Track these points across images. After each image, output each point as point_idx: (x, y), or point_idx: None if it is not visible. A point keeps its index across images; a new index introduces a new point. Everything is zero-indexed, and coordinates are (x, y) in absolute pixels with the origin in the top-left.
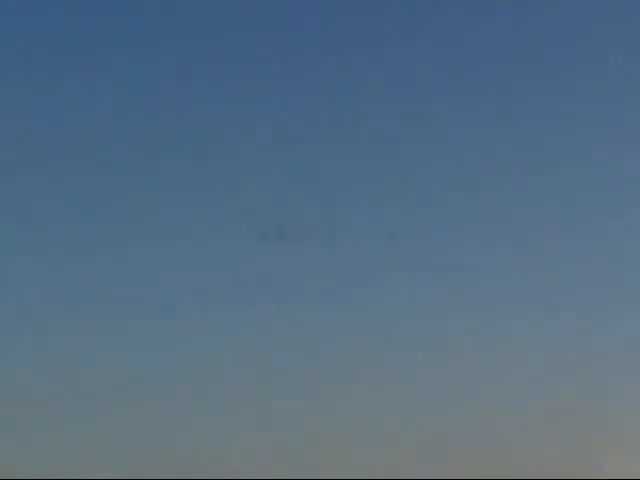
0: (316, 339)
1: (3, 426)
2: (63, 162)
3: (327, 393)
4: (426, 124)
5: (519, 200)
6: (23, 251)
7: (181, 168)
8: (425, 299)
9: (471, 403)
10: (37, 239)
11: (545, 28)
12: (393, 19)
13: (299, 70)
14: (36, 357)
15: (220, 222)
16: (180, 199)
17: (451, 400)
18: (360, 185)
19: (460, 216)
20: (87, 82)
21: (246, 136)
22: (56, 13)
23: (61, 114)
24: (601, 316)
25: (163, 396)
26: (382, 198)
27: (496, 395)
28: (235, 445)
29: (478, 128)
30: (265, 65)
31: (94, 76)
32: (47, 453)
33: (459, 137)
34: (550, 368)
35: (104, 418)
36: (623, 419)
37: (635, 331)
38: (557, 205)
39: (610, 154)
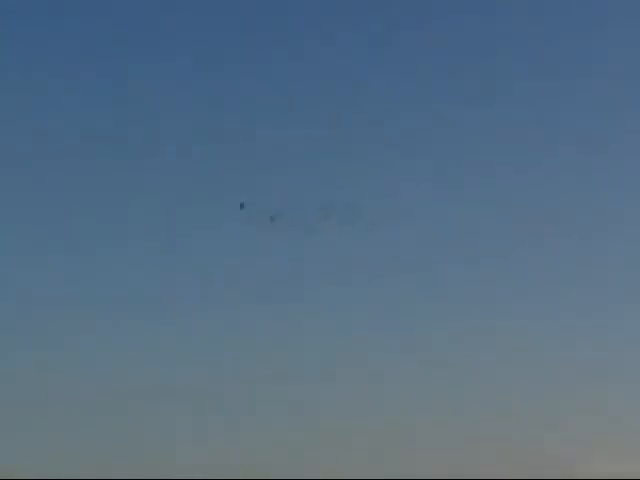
0: (316, 339)
1: (3, 426)
2: (63, 162)
3: (327, 392)
4: (426, 124)
5: (519, 200)
6: (23, 251)
7: (181, 168)
8: (425, 299)
9: (471, 403)
10: (37, 239)
11: (545, 28)
12: (393, 19)
13: (299, 70)
14: (36, 357)
15: (219, 221)
16: (180, 199)
17: (451, 400)
18: (359, 184)
19: (460, 216)
20: (87, 82)
21: (246, 136)
22: (56, 13)
23: (61, 114)
24: (601, 316)
25: (163, 396)
26: (382, 198)
27: (496, 395)
28: (235, 445)
29: (478, 127)
30: (265, 65)
31: (94, 76)
32: (47, 453)
33: (459, 137)
34: (550, 368)
35: (104, 418)
36: (623, 419)
37: (635, 331)
38: (557, 205)
39: (610, 155)
